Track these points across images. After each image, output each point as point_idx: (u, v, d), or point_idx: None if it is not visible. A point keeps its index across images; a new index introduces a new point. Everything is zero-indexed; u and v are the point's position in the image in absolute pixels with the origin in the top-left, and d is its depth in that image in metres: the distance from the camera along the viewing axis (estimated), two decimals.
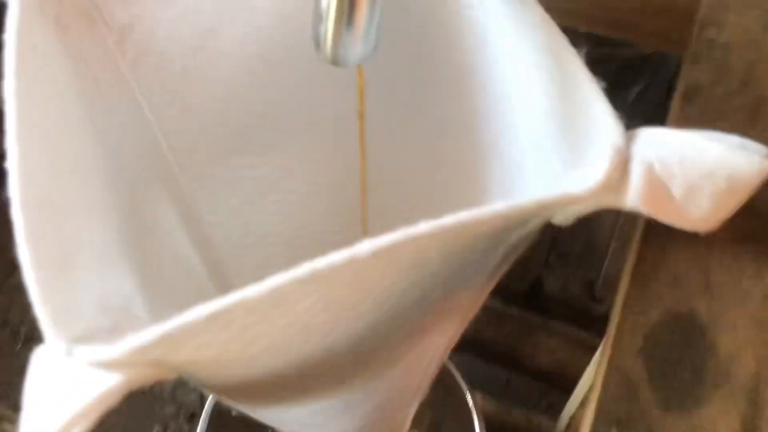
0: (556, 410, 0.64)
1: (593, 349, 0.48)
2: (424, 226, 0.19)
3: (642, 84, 0.67)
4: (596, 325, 0.69)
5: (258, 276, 0.40)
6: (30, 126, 0.24)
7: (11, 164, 0.23)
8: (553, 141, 0.27)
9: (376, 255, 0.19)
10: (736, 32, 0.35)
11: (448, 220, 0.20)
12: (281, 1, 0.33)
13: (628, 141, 0.22)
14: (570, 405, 0.56)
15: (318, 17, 0.25)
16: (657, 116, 0.35)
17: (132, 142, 0.33)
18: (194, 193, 0.37)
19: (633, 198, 0.21)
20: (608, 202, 0.22)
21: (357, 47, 0.25)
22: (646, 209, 0.22)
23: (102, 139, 0.30)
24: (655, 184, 0.21)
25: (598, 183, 0.21)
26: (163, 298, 0.33)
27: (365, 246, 0.19)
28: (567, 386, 0.56)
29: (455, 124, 0.34)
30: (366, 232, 0.40)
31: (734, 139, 0.21)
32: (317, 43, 0.26)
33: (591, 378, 0.47)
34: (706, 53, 0.35)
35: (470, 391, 0.55)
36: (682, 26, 0.38)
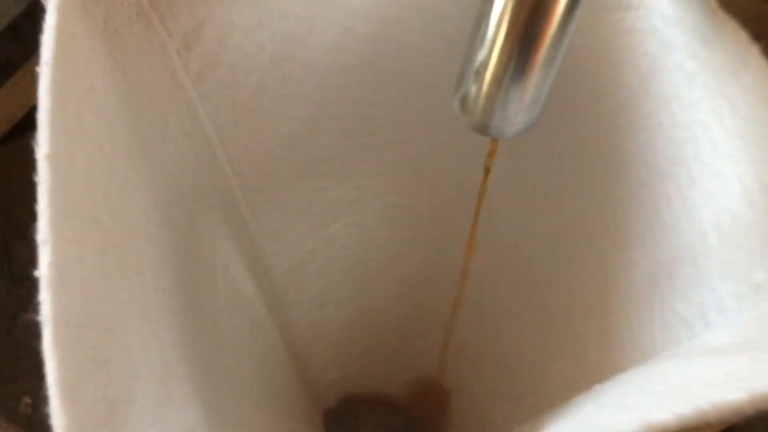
0: None
1: None
2: None
3: None
4: None
5: (319, 304, 0.33)
6: (66, 180, 0.18)
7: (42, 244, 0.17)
8: (756, 242, 0.20)
9: None
10: None
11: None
12: (380, 2, 0.26)
13: None
14: None
15: (468, 74, 0.18)
16: None
17: (189, 168, 0.27)
18: (258, 222, 0.31)
19: None
20: None
21: (518, 118, 0.18)
22: None
23: (154, 168, 0.24)
24: None
25: None
26: (220, 342, 0.27)
27: None
28: None
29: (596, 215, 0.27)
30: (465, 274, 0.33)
31: None
32: (462, 105, 0.19)
33: None
34: None
35: None
36: None
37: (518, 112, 0.18)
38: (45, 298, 0.16)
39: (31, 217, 0.17)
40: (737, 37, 0.21)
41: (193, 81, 0.25)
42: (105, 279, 0.17)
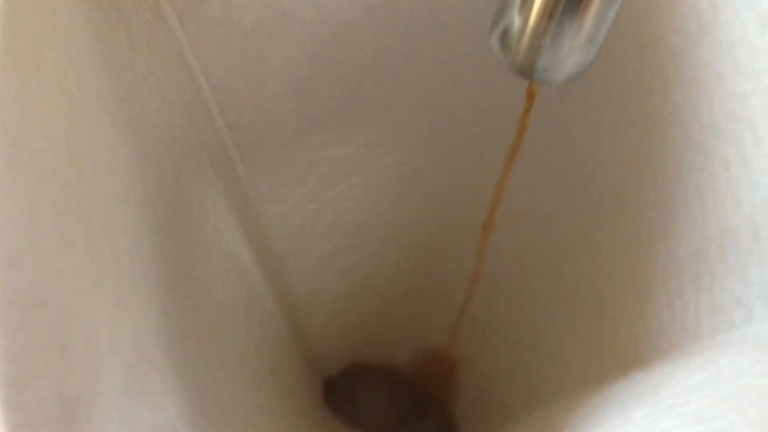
0: None
1: None
2: None
3: None
4: None
5: (321, 272, 0.30)
6: (18, 127, 0.15)
7: None
8: None
9: None
10: None
11: None
12: None
13: None
14: None
15: (508, 5, 0.14)
16: None
17: (175, 118, 0.23)
18: (255, 182, 0.28)
19: None
20: None
21: (570, 59, 0.15)
22: None
23: (132, 118, 0.21)
24: None
25: None
26: (212, 318, 0.24)
27: None
28: None
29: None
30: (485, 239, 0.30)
31: None
32: (502, 41, 0.15)
33: None
34: None
35: None
36: None
37: (571, 52, 0.15)
38: None
39: None
40: None
41: (181, 16, 0.21)
42: (66, 248, 0.14)
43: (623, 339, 0.26)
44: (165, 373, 0.16)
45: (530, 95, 0.20)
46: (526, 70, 0.16)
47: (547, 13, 0.14)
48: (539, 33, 0.14)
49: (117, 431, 0.14)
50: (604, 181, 0.26)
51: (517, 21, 0.14)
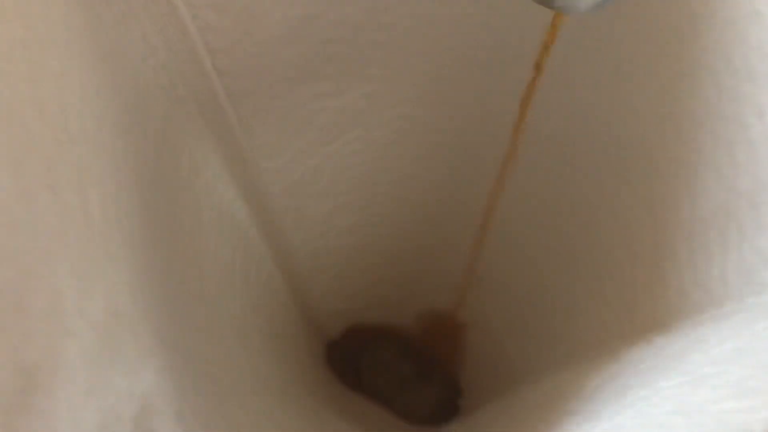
0: None
1: None
2: None
3: None
4: None
5: (321, 231, 0.28)
6: None
7: None
8: None
9: None
10: None
11: None
12: None
13: None
14: None
15: None
16: None
17: (160, 62, 0.22)
18: (250, 133, 0.26)
19: None
20: None
21: None
22: None
23: (109, 60, 0.19)
24: None
25: None
26: (203, 277, 0.23)
27: None
28: None
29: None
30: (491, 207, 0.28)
31: None
32: None
33: None
34: None
35: None
36: None
37: None
38: None
39: None
40: None
41: None
42: (24, 197, 0.13)
43: (641, 303, 0.24)
44: (141, 337, 0.14)
45: (553, 28, 0.18)
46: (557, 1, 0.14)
47: None
48: None
49: (83, 402, 0.12)
50: (622, 136, 0.24)
51: None
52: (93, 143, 0.16)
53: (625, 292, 0.25)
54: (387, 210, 0.34)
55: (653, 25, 0.22)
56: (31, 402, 0.11)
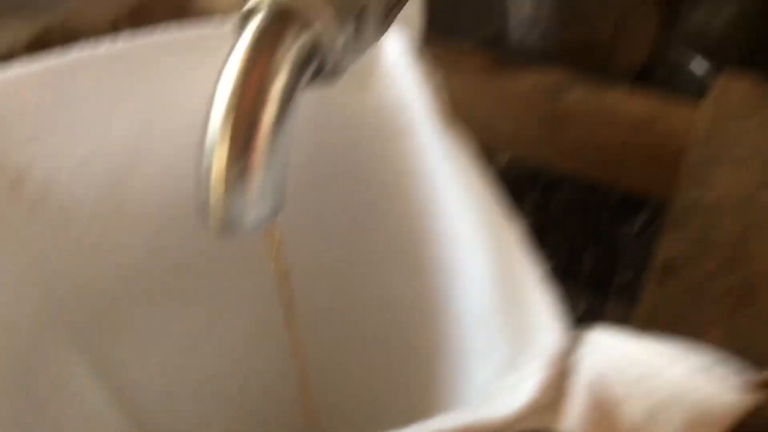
0: None
1: None
2: None
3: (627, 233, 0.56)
4: None
5: None
6: None
7: None
8: (497, 321, 0.22)
9: None
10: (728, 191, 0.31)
11: None
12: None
13: (571, 347, 0.17)
14: None
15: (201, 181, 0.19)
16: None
17: (31, 293, 0.29)
18: (113, 352, 0.32)
19: (571, 422, 0.17)
20: (542, 423, 0.17)
21: (251, 212, 0.19)
22: None
23: None
24: (601, 406, 0.17)
25: (525, 406, 0.17)
26: None
27: None
28: None
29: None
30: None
31: (707, 357, 0.17)
32: (203, 211, 0.19)
33: None
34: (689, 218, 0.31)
35: None
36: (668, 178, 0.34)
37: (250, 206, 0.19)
38: None
39: None
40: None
41: (26, 214, 0.28)
42: None
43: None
44: None
45: (270, 235, 0.24)
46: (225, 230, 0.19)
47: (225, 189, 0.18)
48: (222, 203, 0.18)
49: None
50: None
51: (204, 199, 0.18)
52: None
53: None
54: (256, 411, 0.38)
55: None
56: None
